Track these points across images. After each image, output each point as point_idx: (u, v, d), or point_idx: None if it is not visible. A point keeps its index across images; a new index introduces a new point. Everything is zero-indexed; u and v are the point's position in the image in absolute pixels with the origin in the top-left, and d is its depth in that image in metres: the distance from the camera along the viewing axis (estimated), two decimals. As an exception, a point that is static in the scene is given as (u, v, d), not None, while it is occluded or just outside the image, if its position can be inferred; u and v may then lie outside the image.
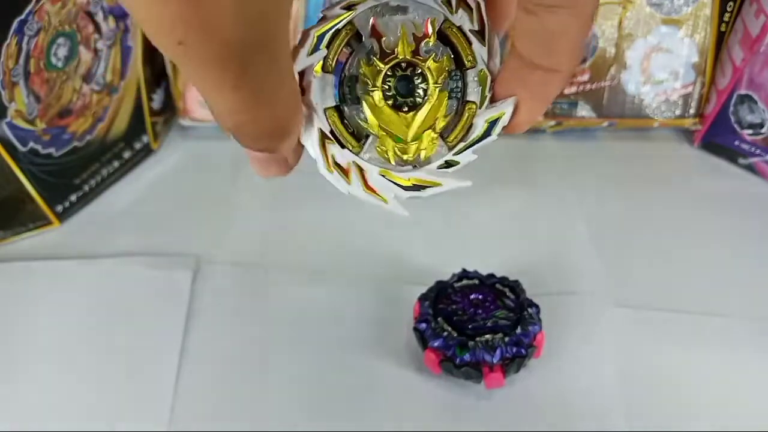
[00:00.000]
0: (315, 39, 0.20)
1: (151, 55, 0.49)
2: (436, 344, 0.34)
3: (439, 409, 0.35)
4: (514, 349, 0.34)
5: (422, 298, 0.36)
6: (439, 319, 0.35)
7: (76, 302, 0.40)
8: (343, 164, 0.22)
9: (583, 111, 0.52)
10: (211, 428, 0.34)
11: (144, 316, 0.39)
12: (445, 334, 0.34)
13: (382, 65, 0.21)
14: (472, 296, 0.36)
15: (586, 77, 0.51)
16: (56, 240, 0.44)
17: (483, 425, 0.35)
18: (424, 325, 0.35)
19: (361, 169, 0.22)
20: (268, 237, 0.45)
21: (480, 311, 0.35)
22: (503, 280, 0.37)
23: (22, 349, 0.37)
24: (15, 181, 0.40)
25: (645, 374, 0.37)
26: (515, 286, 0.37)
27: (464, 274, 0.37)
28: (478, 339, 0.34)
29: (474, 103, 0.23)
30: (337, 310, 0.39)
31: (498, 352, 0.34)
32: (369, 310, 0.37)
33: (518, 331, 0.34)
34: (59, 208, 0.44)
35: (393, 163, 0.23)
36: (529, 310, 0.35)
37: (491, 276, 0.38)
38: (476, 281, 0.37)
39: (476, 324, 0.35)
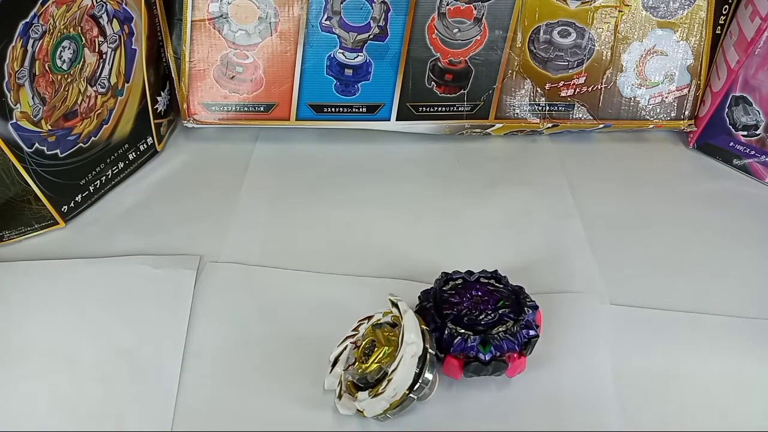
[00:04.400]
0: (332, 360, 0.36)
1: (156, 58, 0.49)
2: (457, 349, 0.34)
3: (436, 410, 0.36)
4: (530, 332, 0.35)
5: (421, 311, 0.37)
6: (449, 324, 0.35)
7: (81, 301, 0.40)
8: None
9: (580, 113, 0.53)
10: (215, 427, 0.35)
11: (148, 315, 0.39)
12: (461, 336, 0.35)
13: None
14: (473, 293, 0.37)
15: (582, 80, 0.51)
16: (61, 240, 0.44)
17: (479, 425, 0.35)
18: (437, 335, 0.35)
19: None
20: (270, 237, 0.45)
21: (482, 306, 0.36)
22: (484, 274, 0.38)
23: (27, 348, 0.38)
24: (20, 181, 0.41)
25: (640, 372, 0.37)
26: (498, 276, 0.38)
27: (449, 278, 0.38)
28: (495, 332, 0.35)
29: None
30: (340, 309, 0.39)
31: (518, 338, 0.35)
32: (372, 308, 0.37)
33: (525, 314, 0.35)
34: (64, 208, 0.44)
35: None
36: (522, 294, 0.37)
37: (471, 272, 0.38)
38: (460, 281, 0.38)
39: (488, 319, 0.35)
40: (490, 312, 0.36)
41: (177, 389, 0.36)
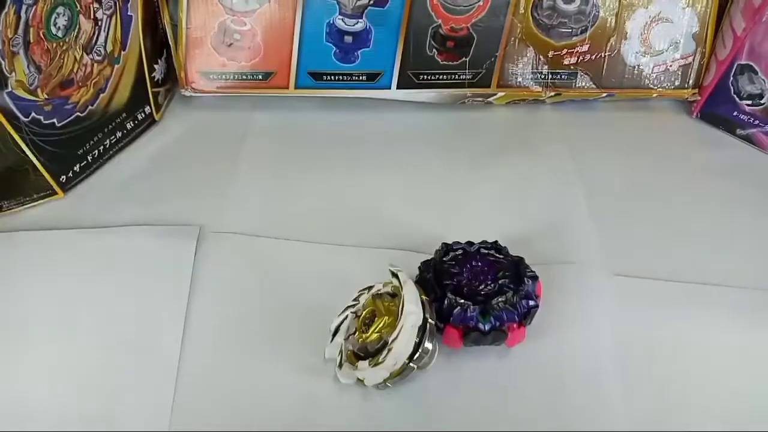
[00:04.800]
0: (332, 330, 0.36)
1: (152, 24, 0.48)
2: (456, 319, 0.35)
3: (436, 379, 0.36)
4: (530, 302, 0.35)
5: (421, 282, 0.37)
6: (449, 294, 0.35)
7: (80, 272, 0.40)
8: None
9: (583, 82, 0.52)
10: (216, 397, 0.35)
11: (147, 286, 0.40)
12: (461, 306, 0.35)
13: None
14: (473, 264, 0.37)
15: (585, 48, 0.51)
16: (60, 210, 0.44)
17: (479, 394, 0.36)
18: (436, 305, 0.35)
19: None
20: (270, 207, 0.45)
21: (482, 276, 0.36)
22: (484, 244, 0.38)
23: (26, 318, 0.38)
24: (18, 151, 0.40)
25: (642, 343, 0.38)
26: (498, 247, 0.38)
27: (449, 248, 0.38)
28: (495, 302, 0.35)
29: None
30: (340, 279, 0.39)
31: (518, 308, 0.35)
32: (372, 279, 0.37)
33: (526, 285, 0.35)
34: (63, 178, 0.44)
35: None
36: (522, 264, 0.37)
37: (471, 243, 0.38)
38: (460, 252, 0.38)
39: (488, 289, 0.35)
40: (490, 282, 0.36)
41: (178, 359, 0.36)
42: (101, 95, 0.45)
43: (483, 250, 0.38)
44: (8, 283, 0.40)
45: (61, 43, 0.41)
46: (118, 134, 0.48)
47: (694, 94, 0.53)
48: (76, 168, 0.45)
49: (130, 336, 0.37)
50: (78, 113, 0.44)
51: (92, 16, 0.42)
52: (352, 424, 0.35)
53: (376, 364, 0.33)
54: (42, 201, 0.44)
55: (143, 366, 0.36)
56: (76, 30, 0.41)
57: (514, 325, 0.35)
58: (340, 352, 0.36)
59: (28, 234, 0.42)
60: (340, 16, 0.48)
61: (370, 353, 0.34)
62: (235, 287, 0.40)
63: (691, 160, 0.50)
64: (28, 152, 0.41)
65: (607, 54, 0.51)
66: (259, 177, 0.47)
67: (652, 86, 0.52)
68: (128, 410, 0.35)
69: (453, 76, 0.51)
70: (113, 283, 0.40)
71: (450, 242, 0.39)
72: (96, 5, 0.42)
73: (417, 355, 0.33)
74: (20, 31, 0.37)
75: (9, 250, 0.41)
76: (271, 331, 0.38)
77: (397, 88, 0.51)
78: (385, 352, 0.33)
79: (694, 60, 0.52)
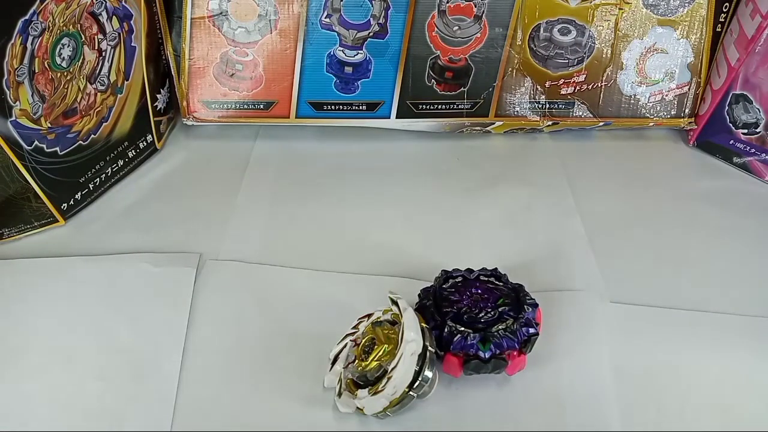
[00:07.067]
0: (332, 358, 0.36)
1: (156, 55, 0.49)
2: (457, 346, 0.34)
3: (436, 408, 0.36)
4: (530, 330, 0.35)
5: (421, 309, 0.37)
6: (449, 322, 0.35)
7: (81, 299, 0.40)
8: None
9: (580, 111, 0.53)
10: (214, 425, 0.35)
11: (148, 313, 0.39)
12: (461, 334, 0.35)
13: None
14: (473, 291, 0.37)
15: (582, 78, 0.51)
16: (61, 237, 0.44)
17: (479, 423, 0.35)
18: (436, 333, 0.35)
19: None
20: (270, 234, 0.45)
21: (482, 304, 0.36)
22: (484, 271, 0.38)
23: (26, 346, 0.38)
24: (20, 179, 0.41)
25: (640, 370, 0.37)
26: (498, 274, 0.38)
27: (449, 275, 0.38)
28: (495, 329, 0.35)
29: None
30: (339, 306, 0.39)
31: (518, 336, 0.35)
32: (372, 306, 0.37)
33: (525, 312, 0.35)
34: (64, 206, 0.44)
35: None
36: (522, 292, 0.37)
37: (471, 270, 0.38)
38: (460, 279, 0.38)
39: (488, 317, 0.35)
40: (489, 310, 0.36)
41: (177, 387, 0.36)
42: (104, 124, 0.45)
43: (483, 278, 0.38)
44: (8, 310, 0.39)
45: (66, 73, 0.41)
46: (120, 162, 0.48)
47: (690, 123, 0.54)
48: (78, 196, 0.45)
49: (129, 364, 0.37)
50: (80, 142, 0.44)
51: (96, 47, 0.43)
52: (351, 454, 0.34)
53: (375, 393, 0.33)
54: (43, 228, 0.44)
55: (142, 393, 0.36)
56: (80, 60, 0.42)
57: (515, 353, 0.35)
58: (340, 380, 0.35)
59: (28, 261, 0.42)
60: (341, 48, 0.49)
61: (370, 381, 0.34)
62: (234, 315, 0.40)
63: (689, 188, 0.50)
64: (31, 180, 0.41)
65: (603, 84, 0.52)
66: (260, 205, 0.47)
67: (648, 115, 0.53)
68: (126, 439, 0.34)
69: (452, 106, 0.52)
70: (113, 310, 0.40)
71: (449, 269, 0.39)
72: (100, 36, 0.43)
73: (417, 383, 0.33)
74: (26, 61, 0.38)
75: (9, 278, 0.41)
76: (270, 358, 0.38)
77: (397, 117, 0.52)
78: (384, 381, 0.32)
79: (689, 89, 0.53)
